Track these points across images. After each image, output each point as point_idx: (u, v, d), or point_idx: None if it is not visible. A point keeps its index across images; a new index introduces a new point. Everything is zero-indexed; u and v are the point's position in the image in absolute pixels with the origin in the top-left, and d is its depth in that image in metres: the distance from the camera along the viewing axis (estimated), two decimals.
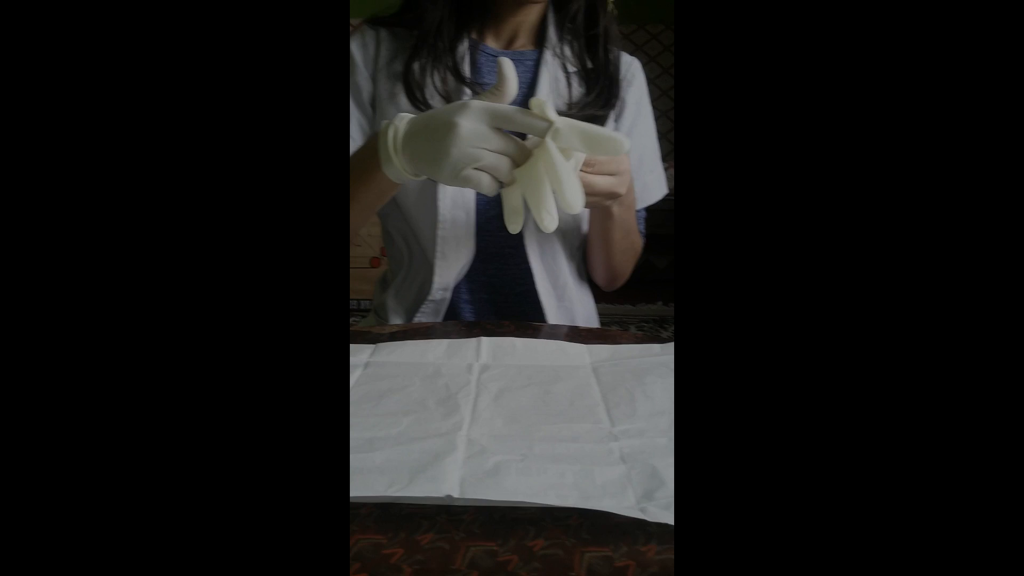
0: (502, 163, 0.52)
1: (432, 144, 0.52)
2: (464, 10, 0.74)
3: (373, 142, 0.59)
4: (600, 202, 0.64)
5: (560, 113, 0.70)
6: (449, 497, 0.36)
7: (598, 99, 0.75)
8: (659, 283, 2.50)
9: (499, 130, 0.52)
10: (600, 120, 0.75)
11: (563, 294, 0.79)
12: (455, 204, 0.73)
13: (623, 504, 0.36)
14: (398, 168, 0.56)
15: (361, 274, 2.36)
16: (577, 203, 0.51)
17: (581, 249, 0.83)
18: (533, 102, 0.51)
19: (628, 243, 0.77)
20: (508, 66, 0.53)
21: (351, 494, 0.36)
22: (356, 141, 0.74)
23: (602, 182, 0.61)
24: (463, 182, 0.52)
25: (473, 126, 0.50)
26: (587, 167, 0.59)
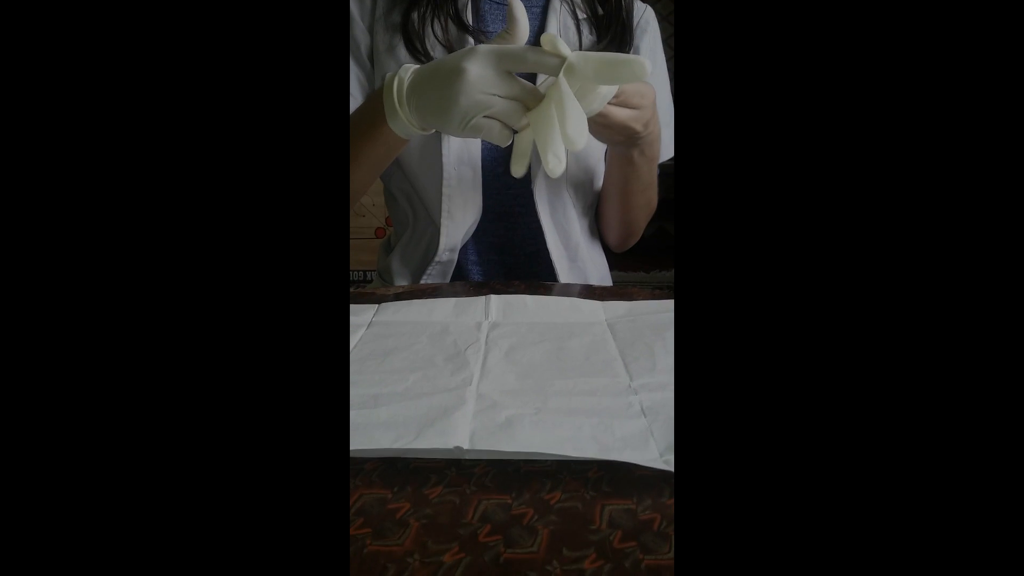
0: (513, 109, 0.49)
1: (439, 93, 0.49)
2: None
3: (377, 97, 0.56)
4: (615, 138, 0.60)
5: None
6: (459, 449, 0.33)
7: (610, 47, 0.71)
8: (673, 249, 2.46)
9: (509, 74, 0.49)
10: None
11: (575, 254, 0.76)
12: (460, 161, 0.70)
13: (646, 456, 0.33)
14: (404, 122, 0.53)
15: (365, 244, 2.31)
16: (578, 138, 0.46)
17: (594, 207, 0.79)
18: (544, 38, 0.48)
19: (646, 198, 0.73)
20: (519, 7, 0.50)
21: (353, 447, 0.34)
22: (356, 99, 0.71)
23: (620, 114, 0.56)
24: (473, 131, 0.50)
25: (481, 71, 0.48)
26: (611, 101, 0.55)
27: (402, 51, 0.69)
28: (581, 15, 0.72)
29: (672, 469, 0.32)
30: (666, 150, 0.78)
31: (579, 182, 0.75)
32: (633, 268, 2.31)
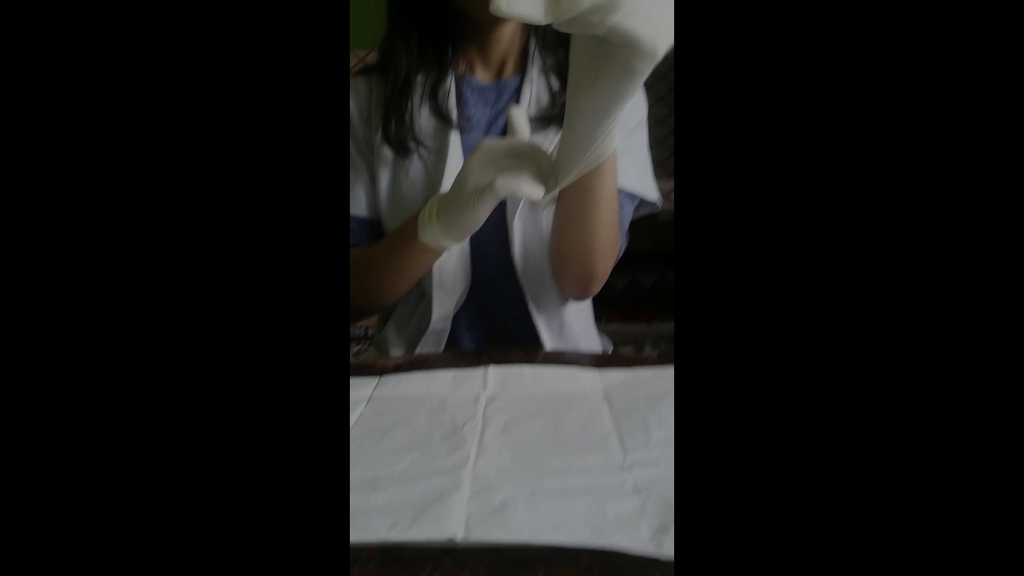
0: (522, 169, 0.55)
1: (452, 192, 0.58)
2: (440, 48, 0.75)
3: (412, 218, 0.64)
4: None
5: (539, 118, 0.72)
6: (452, 540, 0.34)
7: None
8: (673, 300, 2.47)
9: (513, 153, 0.55)
10: None
11: (555, 315, 0.77)
12: None
13: (637, 539, 0.34)
14: (433, 236, 0.61)
15: None
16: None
17: None
18: (510, 113, 0.54)
19: (611, 237, 0.70)
20: (517, 116, 0.57)
21: (352, 537, 0.34)
22: (358, 198, 0.75)
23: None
24: (493, 197, 0.55)
25: (482, 156, 0.55)
26: None
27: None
28: (555, 87, 0.75)
29: (661, 551, 0.32)
30: (649, 192, 0.78)
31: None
32: (633, 320, 2.32)
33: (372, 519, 0.36)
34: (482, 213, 0.57)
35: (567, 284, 0.74)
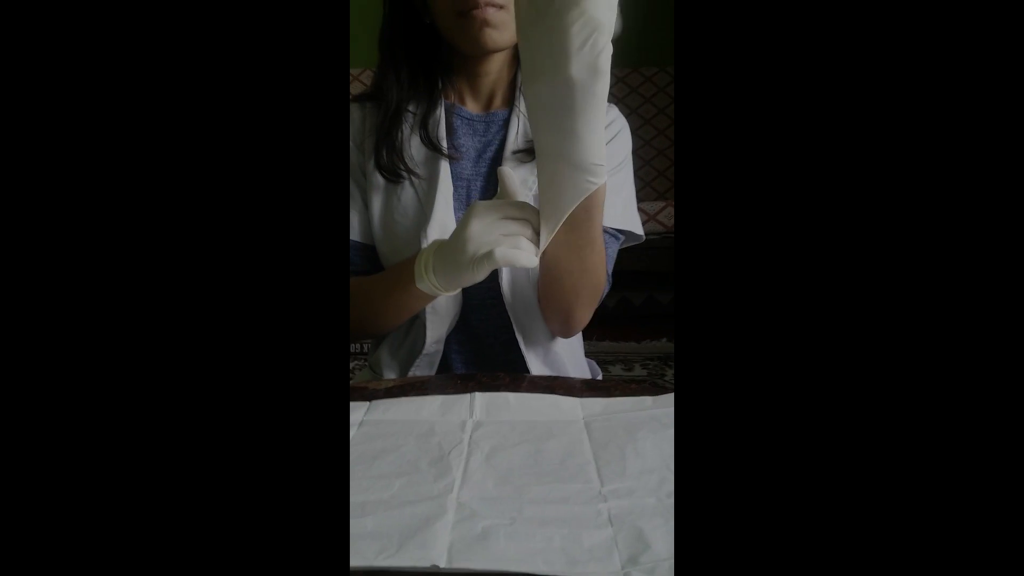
0: (519, 235, 0.57)
1: (449, 252, 0.59)
2: (430, 81, 0.78)
3: (408, 263, 0.66)
4: None
5: (526, 150, 0.74)
6: (435, 567, 0.36)
7: None
8: (664, 319, 2.51)
9: (507, 217, 0.57)
10: None
11: (541, 343, 0.80)
12: None
13: (608, 569, 0.36)
14: (430, 284, 0.63)
15: None
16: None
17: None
18: (501, 172, 0.55)
19: (595, 281, 0.71)
20: (508, 176, 0.60)
21: None
22: (352, 223, 0.78)
23: None
24: (490, 264, 0.57)
25: (480, 223, 0.57)
26: None
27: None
28: None
29: None
30: (635, 227, 0.80)
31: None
32: (623, 339, 2.35)
33: (360, 544, 0.39)
34: (480, 276, 0.59)
35: (551, 324, 0.77)
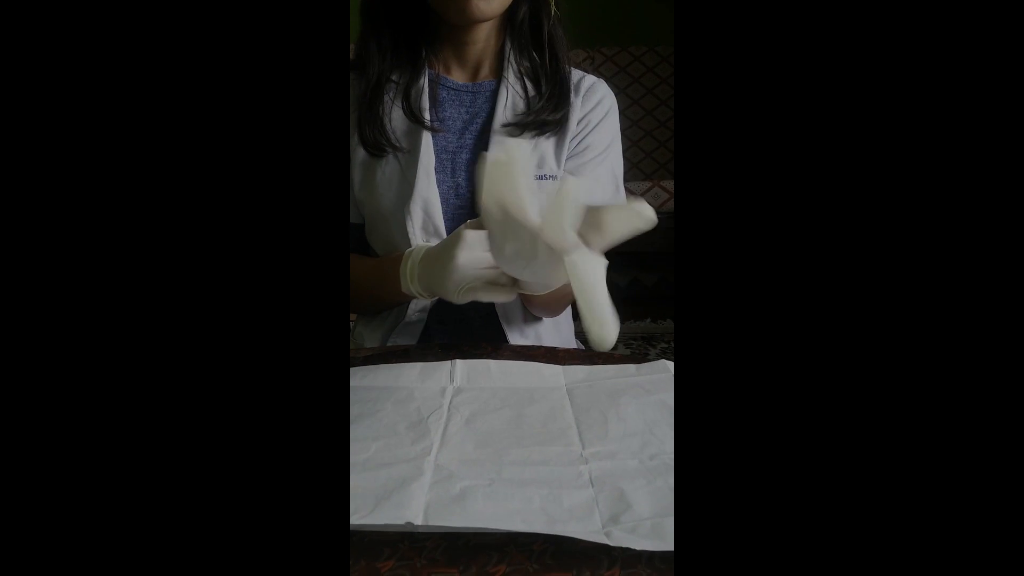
0: (499, 276, 0.56)
1: (436, 273, 0.59)
2: (413, 50, 0.76)
3: (393, 265, 0.65)
4: None
5: (514, 124, 0.70)
6: (410, 524, 0.35)
7: (548, 103, 0.75)
8: (647, 301, 2.51)
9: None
10: (551, 126, 0.75)
11: (517, 318, 0.79)
12: (426, 231, 0.73)
13: (589, 528, 0.36)
14: (414, 291, 0.63)
15: None
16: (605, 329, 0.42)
17: None
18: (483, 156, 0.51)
19: (567, 301, 0.76)
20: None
21: None
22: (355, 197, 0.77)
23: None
24: (473, 297, 0.58)
25: (468, 255, 0.55)
26: None
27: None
28: (531, 91, 0.76)
29: (611, 540, 0.34)
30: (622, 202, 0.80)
31: None
32: (639, 318, 2.38)
33: None
34: (462, 302, 0.59)
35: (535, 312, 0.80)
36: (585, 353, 0.67)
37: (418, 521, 0.35)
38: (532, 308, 0.76)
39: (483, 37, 0.76)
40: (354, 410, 0.51)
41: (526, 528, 0.35)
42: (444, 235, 0.74)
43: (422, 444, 0.45)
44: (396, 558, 0.33)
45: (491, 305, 0.76)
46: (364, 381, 0.58)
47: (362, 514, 0.36)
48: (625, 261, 2.35)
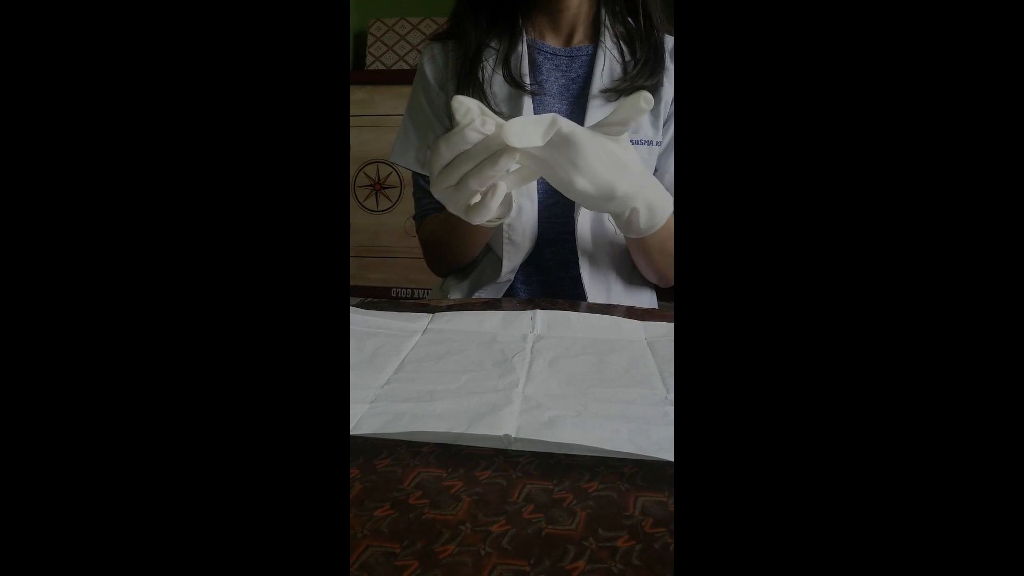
0: (480, 174, 0.53)
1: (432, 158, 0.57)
2: (509, 18, 0.77)
3: None
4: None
5: (612, 89, 0.72)
6: (507, 438, 0.37)
7: (644, 69, 0.75)
8: None
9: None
10: (649, 91, 0.75)
11: (606, 284, 0.80)
12: (520, 192, 0.75)
13: None
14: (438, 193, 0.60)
15: (421, 264, 2.39)
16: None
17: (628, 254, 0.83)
18: (454, 102, 0.52)
19: (669, 261, 0.75)
20: (458, 104, 0.54)
21: (414, 430, 0.37)
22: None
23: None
24: (475, 205, 0.56)
25: (439, 165, 0.53)
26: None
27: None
28: (627, 56, 0.77)
29: None
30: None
31: (614, 235, 0.79)
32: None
33: (430, 421, 0.39)
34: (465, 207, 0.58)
35: (648, 278, 0.82)
36: (664, 314, 0.67)
37: (513, 434, 0.37)
38: (636, 256, 0.77)
39: (576, 3, 0.77)
40: (441, 348, 0.53)
41: (616, 449, 0.36)
42: (536, 194, 0.77)
43: (509, 378, 0.47)
44: (493, 469, 0.35)
45: (576, 266, 0.78)
46: (449, 325, 0.60)
47: (459, 429, 0.38)
48: None
